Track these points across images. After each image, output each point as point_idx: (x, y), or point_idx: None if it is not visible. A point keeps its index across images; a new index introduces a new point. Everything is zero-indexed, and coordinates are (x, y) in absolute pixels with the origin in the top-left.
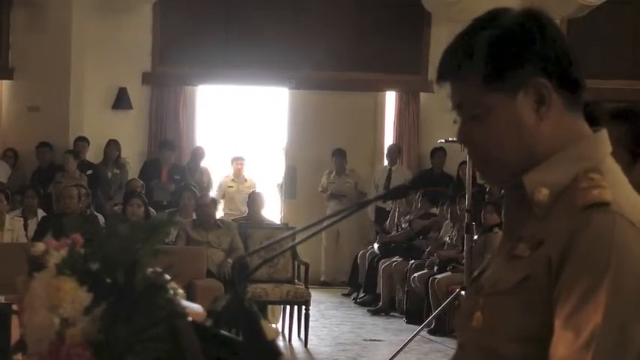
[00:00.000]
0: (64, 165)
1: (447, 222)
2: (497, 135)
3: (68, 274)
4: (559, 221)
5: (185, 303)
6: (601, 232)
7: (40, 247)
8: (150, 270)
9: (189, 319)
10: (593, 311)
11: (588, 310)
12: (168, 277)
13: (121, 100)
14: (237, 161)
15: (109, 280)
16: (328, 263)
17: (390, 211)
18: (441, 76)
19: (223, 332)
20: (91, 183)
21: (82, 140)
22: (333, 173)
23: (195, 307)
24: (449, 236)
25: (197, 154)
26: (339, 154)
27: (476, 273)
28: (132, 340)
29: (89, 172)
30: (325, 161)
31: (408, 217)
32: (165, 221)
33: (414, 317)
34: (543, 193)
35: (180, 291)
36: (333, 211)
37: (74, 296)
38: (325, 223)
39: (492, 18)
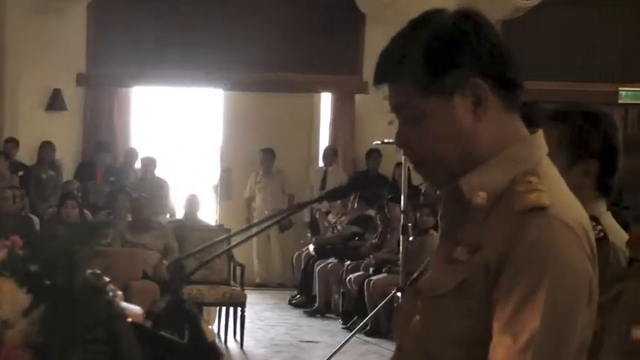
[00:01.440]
0: None
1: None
2: (435, 138)
3: (7, 276)
4: (497, 225)
5: (124, 305)
6: (538, 236)
7: None
8: (88, 272)
9: (129, 320)
10: (531, 315)
11: (526, 315)
12: (106, 279)
13: (56, 101)
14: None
15: (48, 282)
16: (261, 265)
17: (325, 213)
18: (377, 80)
19: (163, 333)
20: (22, 184)
21: (10, 141)
22: (260, 173)
23: (134, 309)
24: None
25: (131, 156)
26: (268, 153)
27: (415, 275)
28: (71, 342)
29: (20, 173)
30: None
31: (343, 219)
32: (104, 223)
33: (350, 319)
34: (481, 197)
35: (119, 293)
36: (259, 210)
37: (13, 298)
38: (263, 225)
39: (426, 20)
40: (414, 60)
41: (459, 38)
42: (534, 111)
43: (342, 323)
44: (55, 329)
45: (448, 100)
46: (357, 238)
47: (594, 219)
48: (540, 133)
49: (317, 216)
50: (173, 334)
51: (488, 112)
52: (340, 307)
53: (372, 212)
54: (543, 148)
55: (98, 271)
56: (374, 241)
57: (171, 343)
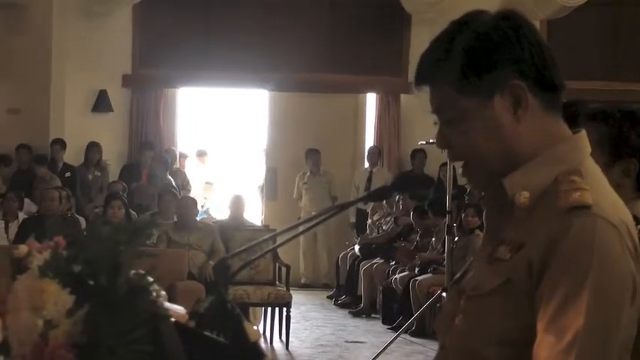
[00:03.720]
0: (36, 174)
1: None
2: (475, 139)
3: (51, 276)
4: (540, 224)
5: (167, 305)
6: (582, 235)
7: (23, 249)
8: (132, 272)
9: (172, 320)
10: (575, 314)
11: (570, 314)
12: (150, 279)
13: (102, 103)
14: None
15: (91, 282)
16: (307, 265)
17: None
18: (419, 82)
19: (206, 333)
20: (68, 185)
21: (55, 143)
22: (307, 174)
23: (177, 309)
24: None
25: (170, 157)
26: (315, 153)
27: (458, 275)
28: (115, 342)
29: (67, 174)
30: (306, 163)
31: (389, 219)
32: (148, 223)
33: (389, 318)
34: (524, 196)
35: (163, 293)
36: (305, 212)
37: (57, 298)
38: (306, 225)
39: (466, 21)
40: (455, 62)
41: (498, 40)
42: (581, 109)
43: (382, 322)
44: (99, 329)
45: (488, 101)
46: (401, 238)
47: (635, 218)
48: (583, 133)
49: (373, 218)
50: (217, 334)
51: (528, 112)
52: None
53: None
54: (586, 148)
55: (142, 272)
56: (412, 245)
57: (215, 343)
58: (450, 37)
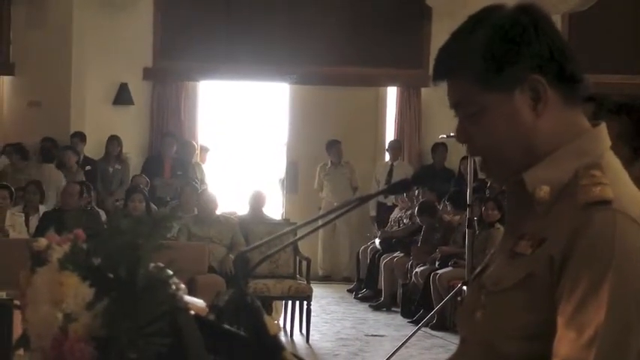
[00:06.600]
0: (64, 161)
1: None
2: (495, 133)
3: (70, 269)
4: (561, 219)
5: (188, 298)
6: (603, 230)
7: (42, 242)
8: (152, 265)
9: (192, 313)
10: (596, 310)
11: (591, 309)
12: (170, 272)
13: (122, 96)
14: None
15: (111, 275)
16: (326, 258)
17: (390, 207)
18: (437, 76)
19: (226, 327)
20: (89, 178)
21: (76, 136)
22: (328, 165)
23: (197, 302)
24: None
25: (187, 150)
26: (336, 143)
27: (478, 270)
28: (134, 335)
29: (87, 167)
30: (326, 156)
31: (409, 212)
32: (168, 216)
33: (416, 313)
34: (544, 190)
35: (182, 286)
36: (327, 202)
37: (77, 291)
38: (327, 218)
39: (485, 16)
40: (474, 56)
41: (518, 34)
42: (603, 102)
43: (406, 316)
44: (118, 322)
45: (508, 96)
46: (422, 232)
47: None
48: (603, 126)
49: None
50: (237, 327)
51: (547, 107)
52: (402, 300)
53: (438, 206)
54: (606, 142)
55: (161, 264)
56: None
57: (234, 335)
58: (469, 31)
